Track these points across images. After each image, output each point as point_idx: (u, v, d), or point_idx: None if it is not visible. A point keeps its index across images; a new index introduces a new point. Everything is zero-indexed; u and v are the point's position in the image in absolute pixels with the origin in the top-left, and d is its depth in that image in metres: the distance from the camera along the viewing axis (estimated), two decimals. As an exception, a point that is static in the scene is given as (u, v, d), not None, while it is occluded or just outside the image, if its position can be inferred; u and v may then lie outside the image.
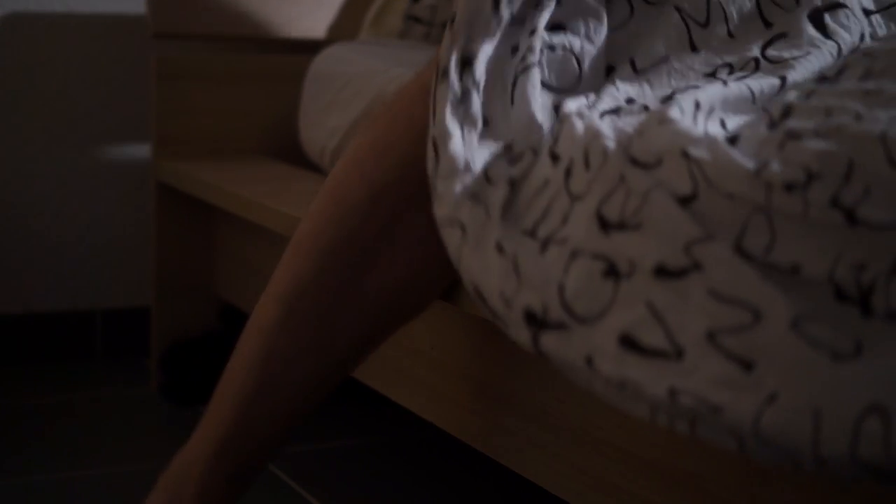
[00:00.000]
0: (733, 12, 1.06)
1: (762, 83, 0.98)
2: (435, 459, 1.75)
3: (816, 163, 0.77)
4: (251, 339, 1.13)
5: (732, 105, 0.95)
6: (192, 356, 2.01)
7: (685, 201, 0.82)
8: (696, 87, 0.98)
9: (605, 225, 0.85)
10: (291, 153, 2.03)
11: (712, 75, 1.02)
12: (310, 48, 2.13)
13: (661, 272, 0.81)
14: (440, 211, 0.96)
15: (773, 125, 0.87)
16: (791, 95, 0.95)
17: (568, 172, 0.90)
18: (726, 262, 0.78)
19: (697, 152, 0.82)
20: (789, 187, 0.77)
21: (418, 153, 1.04)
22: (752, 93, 0.97)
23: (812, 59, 1.02)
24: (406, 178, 1.06)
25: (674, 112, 0.88)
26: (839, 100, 0.89)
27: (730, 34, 1.06)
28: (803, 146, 0.79)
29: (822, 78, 1.00)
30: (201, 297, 2.05)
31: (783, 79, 0.99)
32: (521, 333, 0.90)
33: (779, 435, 0.73)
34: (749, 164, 0.80)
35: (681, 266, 0.80)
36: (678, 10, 1.05)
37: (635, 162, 0.86)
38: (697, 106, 0.92)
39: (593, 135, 0.90)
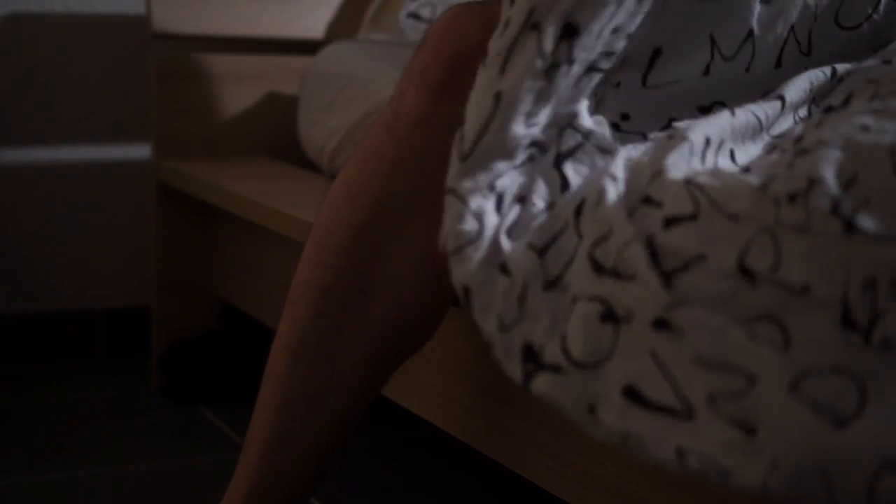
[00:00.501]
0: (760, 55, 1.06)
1: (765, 108, 0.97)
2: (435, 459, 1.75)
3: (818, 170, 0.76)
4: (267, 389, 1.15)
5: (741, 134, 0.94)
6: (192, 356, 2.01)
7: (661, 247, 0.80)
8: (704, 119, 0.95)
9: (598, 268, 0.83)
10: (291, 153, 2.03)
11: (720, 103, 1.02)
12: (309, 48, 2.13)
13: (660, 325, 0.79)
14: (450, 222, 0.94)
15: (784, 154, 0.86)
16: (800, 128, 0.94)
17: (578, 210, 0.89)
18: (705, 326, 0.76)
19: (702, 178, 0.81)
20: (792, 197, 0.76)
21: (390, 189, 1.08)
22: (759, 119, 0.96)
23: (803, 76, 1.02)
24: (382, 216, 1.09)
25: (680, 152, 0.86)
26: (848, 119, 0.88)
27: (746, 70, 1.05)
28: (810, 157, 0.78)
29: (828, 108, 0.99)
30: (201, 297, 2.05)
31: (782, 98, 0.99)
32: (513, 367, 0.87)
33: (790, 494, 0.71)
34: (755, 181, 0.79)
35: (673, 324, 0.78)
36: (712, 38, 1.05)
37: (647, 201, 0.83)
38: (708, 142, 0.90)
39: (599, 172, 0.89)
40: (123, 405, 1.97)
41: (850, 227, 0.74)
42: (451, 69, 1.05)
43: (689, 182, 0.82)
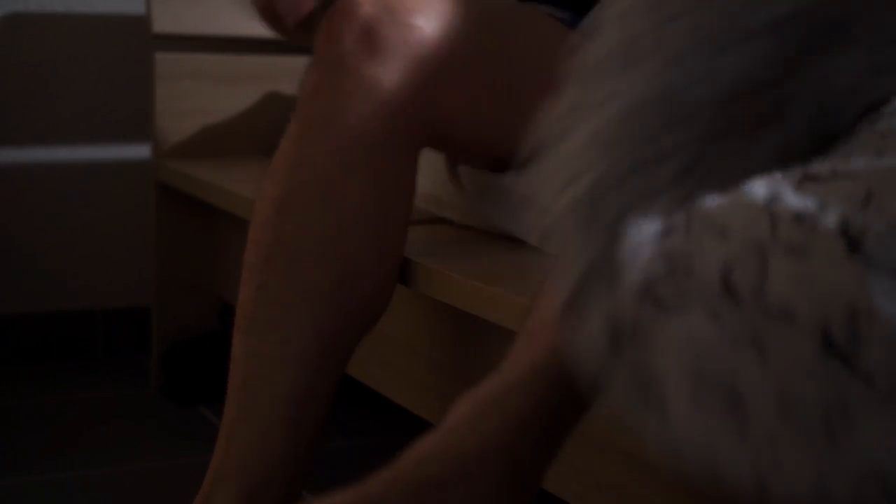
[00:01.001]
0: None
1: None
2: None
3: (832, 195, 0.74)
4: (231, 374, 1.17)
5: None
6: (192, 356, 2.01)
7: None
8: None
9: None
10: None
11: None
12: (309, 48, 2.12)
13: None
14: None
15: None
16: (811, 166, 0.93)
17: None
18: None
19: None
20: (799, 217, 0.73)
21: (300, 159, 1.18)
22: None
23: None
24: (298, 184, 1.17)
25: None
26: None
27: None
28: (821, 184, 0.76)
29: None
30: (201, 297, 2.05)
31: None
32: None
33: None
34: (760, 193, 0.76)
35: None
36: None
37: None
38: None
39: None
40: (123, 405, 1.97)
41: (854, 247, 0.71)
42: (342, 45, 1.18)
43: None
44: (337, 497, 0.90)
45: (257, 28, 2.11)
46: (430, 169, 1.41)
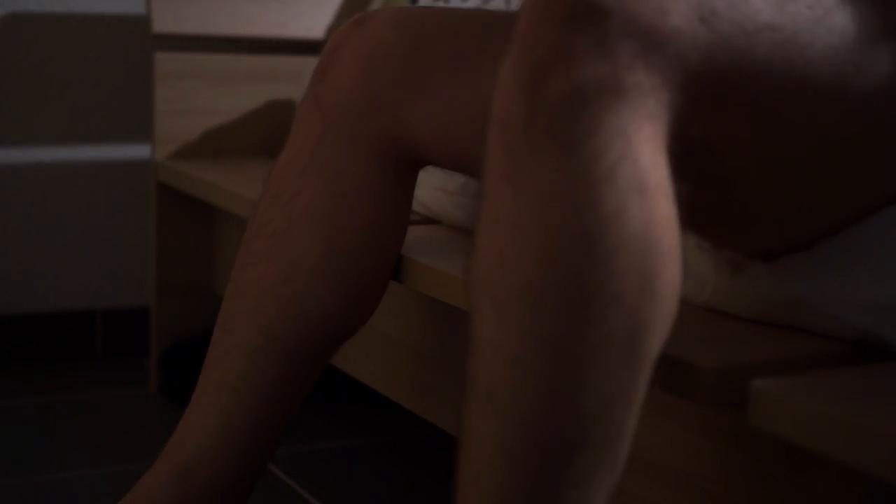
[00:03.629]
0: None
1: None
2: (435, 459, 1.75)
3: None
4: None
5: None
6: (192, 356, 2.01)
7: None
8: None
9: None
10: (291, 153, 2.03)
11: None
12: (309, 48, 2.13)
13: None
14: None
15: None
16: None
17: None
18: None
19: None
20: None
21: (277, 163, 1.22)
22: None
23: None
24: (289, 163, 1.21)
25: None
26: None
27: None
28: None
29: None
30: (201, 297, 2.05)
31: None
32: None
33: None
34: None
35: None
36: None
37: None
38: None
39: None
40: (123, 405, 1.97)
41: None
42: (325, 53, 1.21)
43: None
44: None
45: (257, 28, 2.11)
46: (428, 181, 1.42)
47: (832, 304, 0.95)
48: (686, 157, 0.88)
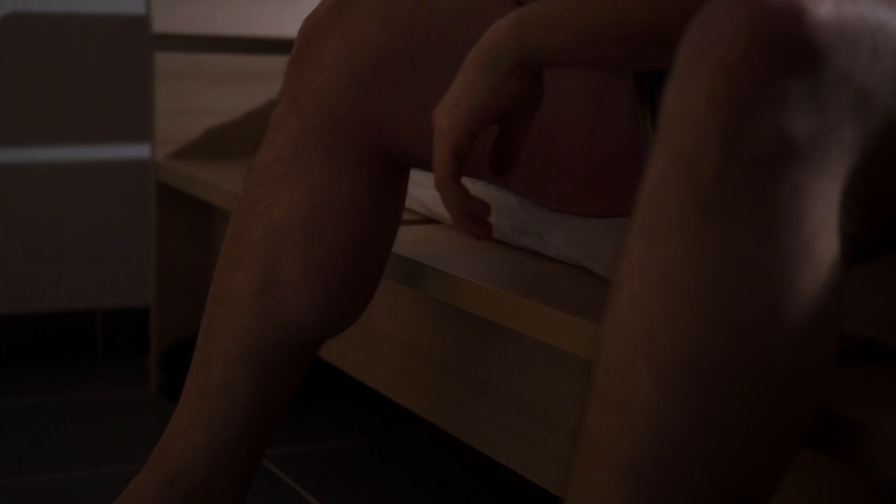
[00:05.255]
0: None
1: None
2: (435, 459, 1.75)
3: None
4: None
5: None
6: (191, 356, 2.01)
7: None
8: None
9: None
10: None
11: None
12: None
13: None
14: None
15: None
16: None
17: None
18: None
19: None
20: None
21: (255, 166, 1.19)
22: None
23: None
24: (252, 186, 1.18)
25: None
26: None
27: None
28: None
29: None
30: (201, 297, 2.05)
31: None
32: None
33: None
34: None
35: None
36: None
37: None
38: None
39: None
40: (123, 405, 1.97)
41: None
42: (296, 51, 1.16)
43: None
44: None
45: (257, 28, 2.11)
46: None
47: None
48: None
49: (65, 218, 2.18)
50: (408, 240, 1.32)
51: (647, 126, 1.16)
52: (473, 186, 1.32)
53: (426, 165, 1.16)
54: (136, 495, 1.17)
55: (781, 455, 0.75)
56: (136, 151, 2.22)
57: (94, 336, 2.20)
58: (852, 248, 0.78)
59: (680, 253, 0.72)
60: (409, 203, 1.44)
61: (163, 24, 2.03)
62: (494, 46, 0.93)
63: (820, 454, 0.81)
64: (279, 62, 2.10)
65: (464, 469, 1.71)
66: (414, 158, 1.16)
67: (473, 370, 1.26)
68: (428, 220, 1.46)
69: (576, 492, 0.77)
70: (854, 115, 0.73)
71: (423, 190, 1.44)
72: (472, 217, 0.99)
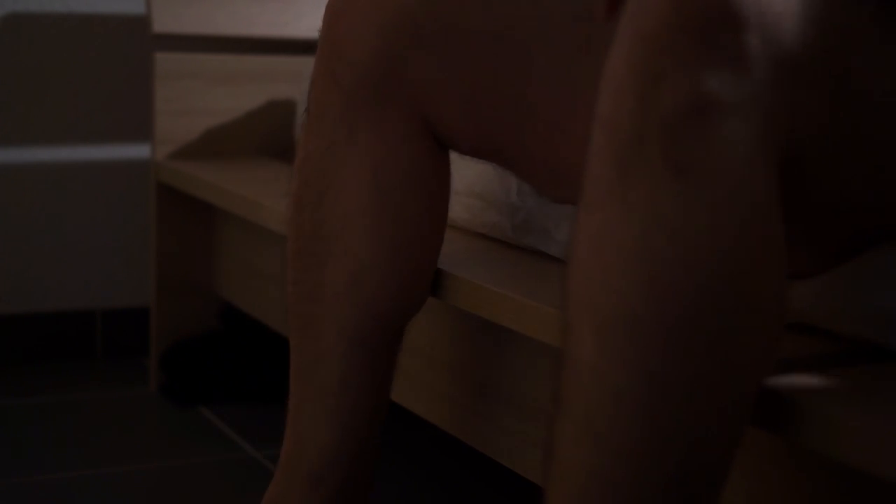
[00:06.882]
0: None
1: None
2: (435, 459, 1.75)
3: None
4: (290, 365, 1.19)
5: None
6: (192, 356, 2.01)
7: None
8: None
9: None
10: (291, 153, 2.03)
11: None
12: (309, 48, 2.13)
13: None
14: None
15: None
16: None
17: None
18: None
19: None
20: None
21: (314, 150, 1.15)
22: None
23: None
24: (314, 173, 1.15)
25: None
26: None
27: None
28: None
29: None
30: (201, 297, 2.05)
31: None
32: None
33: None
34: None
35: None
36: None
37: None
38: None
39: None
40: (123, 405, 1.97)
41: None
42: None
43: None
44: None
45: (257, 28, 2.11)
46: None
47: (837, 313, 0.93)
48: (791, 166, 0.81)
49: (65, 218, 2.18)
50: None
51: None
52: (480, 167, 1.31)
53: (455, 143, 1.14)
54: (283, 500, 1.15)
55: (731, 411, 0.77)
56: (136, 151, 2.22)
57: (94, 336, 2.20)
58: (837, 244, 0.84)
59: (609, 216, 0.76)
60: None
61: (163, 24, 2.03)
62: None
63: (820, 455, 0.81)
64: (279, 62, 2.10)
65: (464, 469, 1.71)
66: (447, 132, 1.13)
67: (473, 370, 1.25)
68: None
69: (549, 448, 0.81)
70: (776, 80, 0.75)
71: None
72: None
